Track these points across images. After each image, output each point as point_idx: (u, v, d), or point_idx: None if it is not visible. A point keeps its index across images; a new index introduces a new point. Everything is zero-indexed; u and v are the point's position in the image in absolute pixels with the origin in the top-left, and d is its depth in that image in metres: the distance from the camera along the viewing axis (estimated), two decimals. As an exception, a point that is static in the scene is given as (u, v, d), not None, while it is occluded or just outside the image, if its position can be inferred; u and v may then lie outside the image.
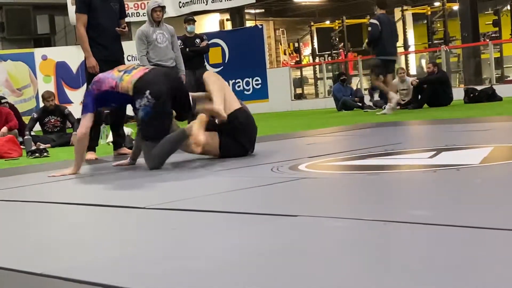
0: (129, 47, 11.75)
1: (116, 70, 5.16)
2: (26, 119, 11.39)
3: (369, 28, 10.88)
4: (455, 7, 19.75)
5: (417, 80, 13.42)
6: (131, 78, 4.97)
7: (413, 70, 19.90)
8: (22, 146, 8.86)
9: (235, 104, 5.26)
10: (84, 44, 6.51)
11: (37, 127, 10.71)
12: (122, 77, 5.02)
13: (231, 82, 18.03)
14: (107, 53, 6.54)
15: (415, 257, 1.90)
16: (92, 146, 6.46)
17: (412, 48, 21.93)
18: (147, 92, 4.85)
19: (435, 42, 20.14)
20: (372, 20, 11.02)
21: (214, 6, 18.65)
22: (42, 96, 10.82)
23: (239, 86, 18.12)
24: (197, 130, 4.81)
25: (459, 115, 9.42)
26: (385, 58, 10.81)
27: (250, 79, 18.24)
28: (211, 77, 5.40)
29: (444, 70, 14.70)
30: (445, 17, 20.19)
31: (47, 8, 21.34)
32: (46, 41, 21.48)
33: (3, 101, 11.38)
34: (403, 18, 21.18)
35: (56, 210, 3.53)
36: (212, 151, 5.21)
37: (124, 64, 5.95)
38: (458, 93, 13.67)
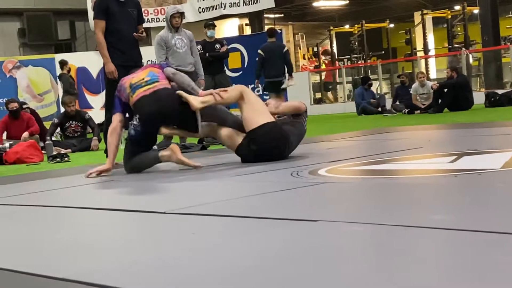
0: (148, 53, 11.80)
1: (129, 83, 5.53)
2: (47, 124, 11.47)
3: (257, 58, 12.63)
4: (476, 10, 19.62)
5: (437, 84, 13.36)
6: (133, 99, 5.44)
7: (433, 74, 19.80)
8: (43, 151, 8.93)
9: (260, 119, 5.33)
10: (102, 50, 6.55)
11: (58, 132, 10.79)
12: (129, 96, 5.50)
13: (250, 86, 17.99)
14: (125, 58, 6.57)
15: (436, 262, 1.89)
16: None
17: (432, 52, 21.83)
18: (137, 116, 5.36)
19: (455, 46, 20.02)
20: (258, 51, 12.69)
21: (232, 11, 18.68)
22: (63, 101, 10.90)
23: (258, 91, 18.09)
24: (181, 159, 5.19)
25: (480, 119, 9.36)
26: (269, 80, 12.41)
27: (270, 83, 18.21)
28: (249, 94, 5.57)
29: (464, 74, 14.61)
30: (466, 20, 20.06)
31: (68, 14, 21.50)
32: (66, 47, 21.64)
33: (24, 106, 11.47)
34: (423, 22, 21.09)
35: (76, 215, 3.55)
36: (230, 146, 5.50)
37: (142, 65, 6.28)
38: (478, 97, 13.58)
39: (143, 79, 5.49)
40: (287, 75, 12.24)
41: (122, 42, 6.57)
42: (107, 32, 6.55)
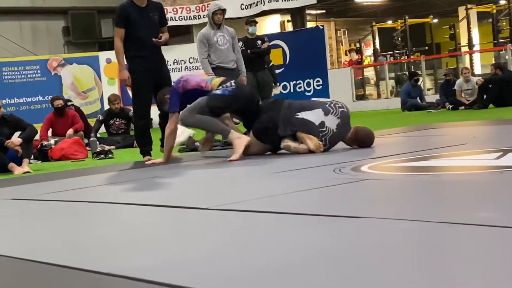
0: (191, 50, 11.89)
1: (205, 75, 6.38)
2: (91, 122, 11.62)
3: None
4: (521, 5, 19.29)
5: (482, 80, 13.16)
6: (218, 80, 6.10)
7: (478, 70, 19.52)
8: (87, 148, 9.05)
9: None
10: (118, 56, 6.66)
11: (102, 129, 10.92)
12: (212, 79, 6.17)
13: (292, 83, 18.01)
14: (146, 63, 6.64)
15: (482, 260, 1.87)
16: (147, 151, 6.64)
17: (477, 47, 21.51)
18: (232, 81, 6.08)
19: (500, 41, 19.69)
20: None
21: (272, 6, 18.62)
22: (109, 99, 11.03)
23: (300, 87, 18.08)
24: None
25: (526, 115, 9.20)
26: None
27: (311, 80, 18.19)
28: None
29: (510, 69, 14.37)
30: (511, 15, 19.72)
31: (111, 12, 21.60)
32: (110, 45, 21.83)
33: (69, 103, 11.64)
34: (468, 17, 20.80)
35: (121, 211, 3.59)
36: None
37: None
38: (524, 92, 13.32)
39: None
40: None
41: (143, 49, 6.62)
42: (128, 39, 6.60)
